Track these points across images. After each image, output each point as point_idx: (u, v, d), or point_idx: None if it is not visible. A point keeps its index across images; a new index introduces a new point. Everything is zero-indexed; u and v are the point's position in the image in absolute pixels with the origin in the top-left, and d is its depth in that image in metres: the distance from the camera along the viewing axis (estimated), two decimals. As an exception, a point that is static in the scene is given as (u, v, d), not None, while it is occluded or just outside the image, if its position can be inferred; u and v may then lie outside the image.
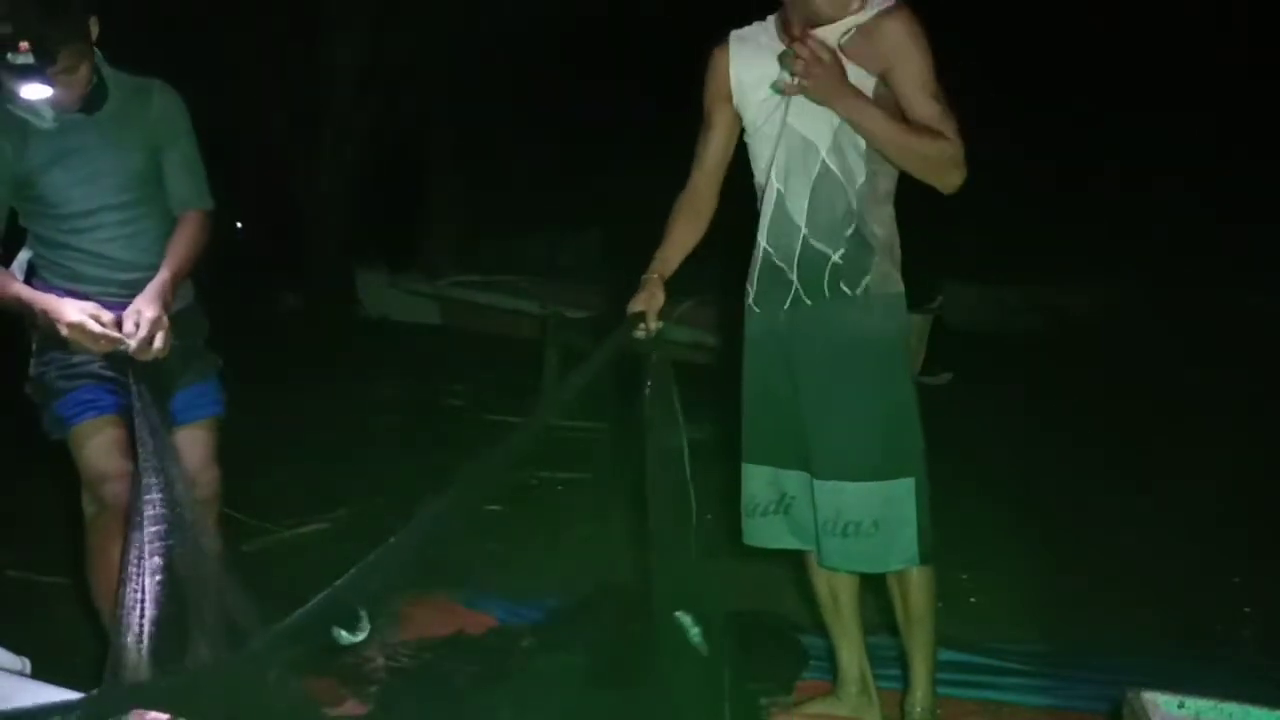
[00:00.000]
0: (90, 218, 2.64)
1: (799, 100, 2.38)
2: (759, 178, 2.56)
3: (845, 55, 2.35)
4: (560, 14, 9.27)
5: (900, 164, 2.40)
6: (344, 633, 2.44)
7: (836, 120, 2.39)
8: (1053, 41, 10.33)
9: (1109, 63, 10.15)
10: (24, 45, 2.37)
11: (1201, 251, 8.33)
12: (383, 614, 3.18)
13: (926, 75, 2.34)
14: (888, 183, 2.47)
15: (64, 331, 2.47)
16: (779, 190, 2.49)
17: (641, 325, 2.45)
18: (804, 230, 2.46)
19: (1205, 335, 7.36)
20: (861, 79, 2.35)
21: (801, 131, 2.44)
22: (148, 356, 2.48)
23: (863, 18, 2.37)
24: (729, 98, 2.55)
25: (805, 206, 2.45)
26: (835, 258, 2.44)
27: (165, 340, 2.50)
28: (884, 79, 2.36)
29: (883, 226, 2.47)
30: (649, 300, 2.48)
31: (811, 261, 2.45)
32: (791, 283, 2.48)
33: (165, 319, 2.52)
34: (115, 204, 2.66)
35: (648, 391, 2.45)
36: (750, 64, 2.51)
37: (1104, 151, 9.93)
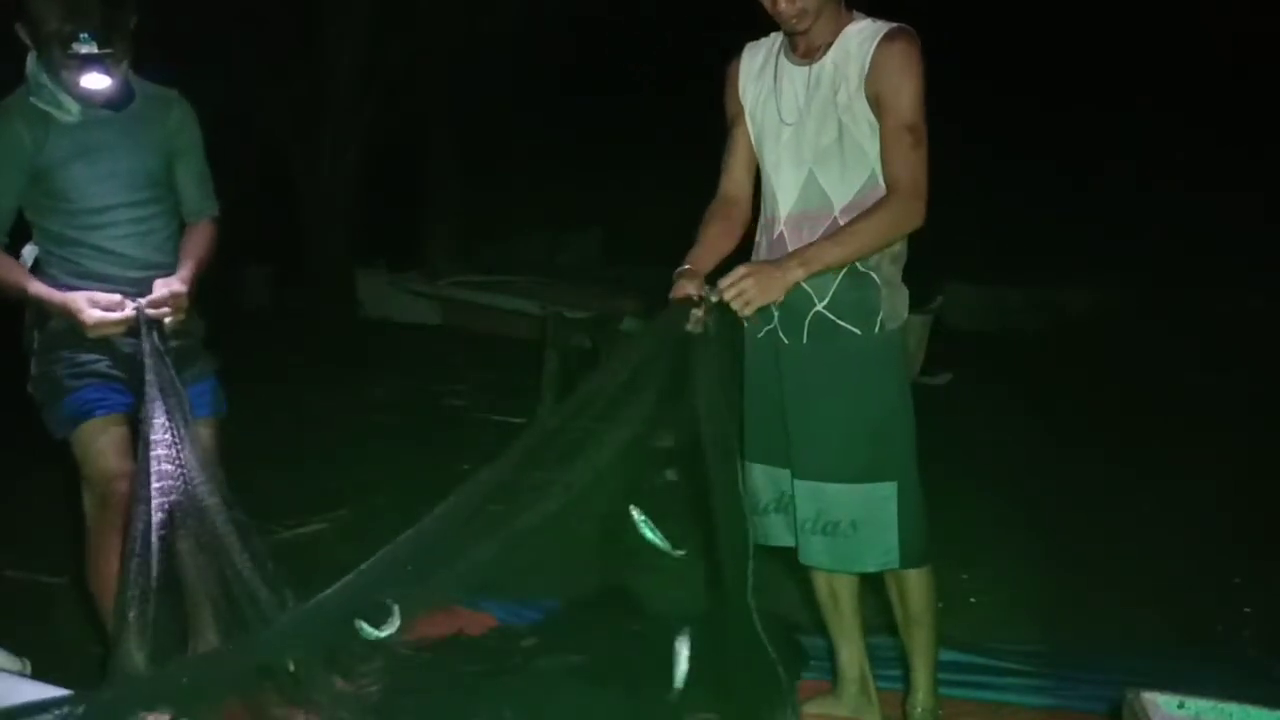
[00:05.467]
0: (104, 214, 2.66)
1: (825, 151, 2.37)
2: (765, 208, 2.53)
3: (838, 71, 2.34)
4: (560, 14, 9.27)
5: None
6: (366, 626, 2.19)
7: (861, 181, 2.37)
8: (1053, 42, 10.33)
9: (1109, 63, 10.15)
10: (86, 35, 2.45)
11: (1201, 252, 8.33)
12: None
13: (909, 110, 2.30)
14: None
15: (86, 325, 2.51)
16: (783, 231, 2.46)
17: (695, 313, 2.30)
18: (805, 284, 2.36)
19: (1205, 336, 7.36)
20: (852, 94, 2.33)
21: (823, 184, 2.40)
22: (169, 316, 2.59)
23: (859, 37, 2.34)
24: (742, 110, 2.55)
25: None
26: (819, 306, 2.41)
27: (182, 306, 2.63)
28: (872, 100, 2.33)
29: (884, 266, 2.42)
30: (693, 288, 2.34)
31: (793, 305, 2.39)
32: (773, 315, 2.45)
33: (186, 299, 2.64)
34: (129, 202, 2.69)
35: (699, 375, 2.31)
36: (754, 81, 2.51)
37: (1104, 151, 9.94)
